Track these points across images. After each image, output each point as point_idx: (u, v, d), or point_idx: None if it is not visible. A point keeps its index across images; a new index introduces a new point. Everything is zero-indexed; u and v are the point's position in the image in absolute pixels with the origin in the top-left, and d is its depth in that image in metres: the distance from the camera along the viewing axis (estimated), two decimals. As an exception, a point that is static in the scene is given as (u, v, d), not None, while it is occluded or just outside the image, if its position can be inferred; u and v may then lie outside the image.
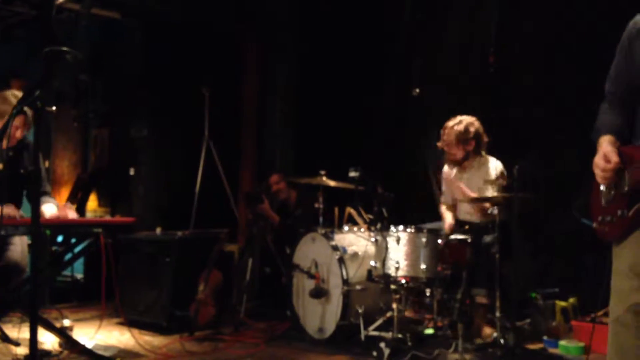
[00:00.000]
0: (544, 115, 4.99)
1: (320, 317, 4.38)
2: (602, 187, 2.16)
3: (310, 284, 4.42)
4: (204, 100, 5.81)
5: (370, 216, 4.50)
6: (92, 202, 7.13)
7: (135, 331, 4.48)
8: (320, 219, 4.66)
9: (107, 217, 6.71)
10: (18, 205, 3.96)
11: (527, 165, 3.94)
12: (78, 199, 6.94)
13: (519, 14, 5.19)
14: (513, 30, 5.17)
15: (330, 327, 4.30)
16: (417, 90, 5.45)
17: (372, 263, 4.13)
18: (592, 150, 2.20)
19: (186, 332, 4.55)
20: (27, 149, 4.00)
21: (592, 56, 3.91)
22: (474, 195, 4.27)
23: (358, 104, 6.12)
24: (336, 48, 6.28)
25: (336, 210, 5.04)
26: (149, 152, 6.75)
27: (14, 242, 3.88)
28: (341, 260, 4.30)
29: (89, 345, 3.94)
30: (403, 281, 3.94)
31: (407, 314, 4.24)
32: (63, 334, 3.84)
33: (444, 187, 4.68)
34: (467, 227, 4.25)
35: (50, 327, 3.73)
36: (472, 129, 4.33)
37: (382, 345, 3.78)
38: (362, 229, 4.68)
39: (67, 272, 6.17)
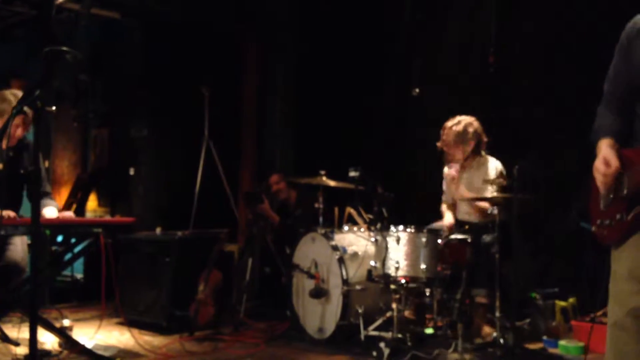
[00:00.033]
0: (544, 115, 4.99)
1: (320, 317, 4.38)
2: (601, 191, 2.15)
3: (310, 284, 4.42)
4: (204, 100, 5.81)
5: (370, 216, 4.49)
6: (92, 202, 7.13)
7: (135, 331, 4.48)
8: (320, 219, 4.66)
9: (107, 217, 6.71)
10: (18, 205, 3.96)
11: (527, 165, 3.94)
12: (78, 199, 6.94)
13: (519, 14, 5.19)
14: (513, 30, 5.17)
15: (330, 327, 4.30)
16: (417, 90, 5.44)
17: (372, 263, 4.13)
18: (592, 150, 2.20)
19: (186, 332, 4.55)
20: (27, 149, 4.00)
21: (592, 56, 3.91)
22: (469, 195, 4.28)
23: (358, 104, 6.12)
24: (336, 48, 6.28)
25: (336, 210, 5.04)
26: (149, 152, 6.76)
27: (14, 242, 3.88)
28: (341, 260, 4.30)
29: (89, 345, 3.94)
30: (403, 281, 3.94)
31: (407, 314, 4.23)
32: (63, 334, 3.84)
33: (444, 187, 4.68)
34: (466, 227, 4.25)
35: (50, 327, 3.73)
36: (471, 129, 4.34)
37: (382, 345, 3.78)
38: (362, 229, 4.68)
39: (67, 272, 6.17)
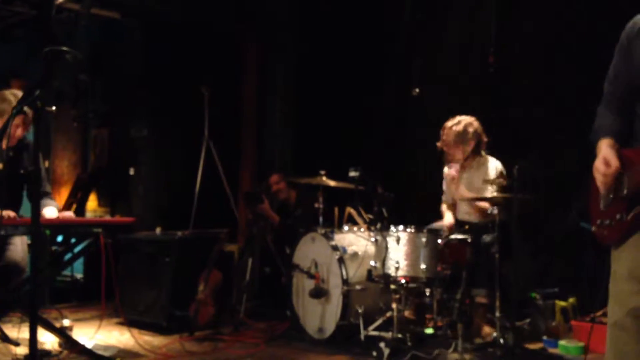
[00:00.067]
0: (544, 115, 4.99)
1: (320, 317, 4.38)
2: (601, 191, 2.14)
3: (310, 284, 4.42)
4: (204, 100, 5.81)
5: (370, 216, 4.49)
6: (92, 202, 7.13)
7: (135, 331, 4.48)
8: (320, 219, 4.65)
9: (107, 217, 6.71)
10: (18, 205, 3.96)
11: (527, 165, 3.94)
12: (78, 199, 6.94)
13: (519, 14, 5.19)
14: (513, 30, 5.17)
15: (330, 327, 4.30)
16: (417, 90, 5.45)
17: (372, 263, 4.13)
18: (592, 150, 2.19)
19: (186, 332, 4.55)
20: (27, 149, 4.00)
21: (592, 56, 3.91)
22: (469, 195, 4.28)
23: (358, 104, 6.12)
24: (336, 48, 6.28)
25: (336, 210, 5.04)
26: (148, 152, 6.75)
27: (14, 242, 3.88)
28: (341, 260, 4.29)
29: (89, 345, 3.94)
30: (403, 281, 3.94)
31: (407, 314, 4.23)
32: (63, 334, 3.84)
33: (444, 187, 4.68)
34: (466, 227, 4.25)
35: (50, 327, 3.73)
36: (470, 130, 4.34)
37: (382, 345, 3.78)
38: (362, 229, 4.68)
39: (67, 272, 6.17)
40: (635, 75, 2.11)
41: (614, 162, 2.07)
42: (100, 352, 3.83)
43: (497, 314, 3.84)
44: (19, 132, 3.89)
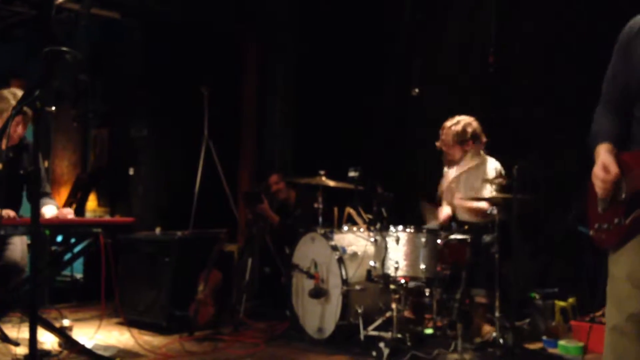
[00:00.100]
0: (544, 115, 4.99)
1: (320, 317, 4.38)
2: (599, 196, 2.14)
3: (309, 284, 4.42)
4: (204, 100, 5.81)
5: (370, 216, 4.49)
6: (92, 202, 7.13)
7: (135, 331, 4.47)
8: (320, 219, 4.65)
9: (107, 217, 6.71)
10: (18, 206, 3.96)
11: (527, 165, 3.94)
12: (77, 199, 6.93)
13: (519, 14, 5.19)
14: (513, 30, 5.17)
15: (329, 327, 4.30)
16: (417, 90, 5.44)
17: (372, 263, 4.13)
18: (590, 154, 2.19)
19: (186, 332, 4.55)
20: (27, 150, 4.00)
21: (592, 56, 3.90)
22: (467, 204, 4.27)
23: (358, 104, 6.12)
24: (336, 48, 6.28)
25: (336, 210, 5.04)
26: (148, 152, 6.75)
27: (14, 242, 3.88)
28: (340, 260, 4.29)
29: (89, 345, 3.94)
30: (402, 281, 3.94)
31: (407, 314, 4.23)
32: (62, 334, 3.84)
33: (443, 186, 4.67)
34: (466, 227, 4.25)
35: (49, 327, 3.73)
36: (469, 129, 4.34)
37: (382, 345, 3.78)
38: (362, 229, 4.68)
39: (66, 272, 6.16)
40: (633, 77, 2.10)
41: (614, 169, 2.05)
42: (100, 352, 3.83)
43: (497, 314, 3.83)
44: (19, 130, 3.89)
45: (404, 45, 5.94)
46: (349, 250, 4.39)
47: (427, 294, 4.20)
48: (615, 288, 2.09)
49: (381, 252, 4.05)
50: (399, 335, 3.87)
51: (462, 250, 4.00)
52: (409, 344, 3.85)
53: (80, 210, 6.85)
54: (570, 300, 4.48)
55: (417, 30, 5.81)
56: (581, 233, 3.87)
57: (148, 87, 6.69)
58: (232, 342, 4.39)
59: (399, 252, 3.98)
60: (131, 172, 6.76)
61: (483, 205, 4.16)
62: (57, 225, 3.68)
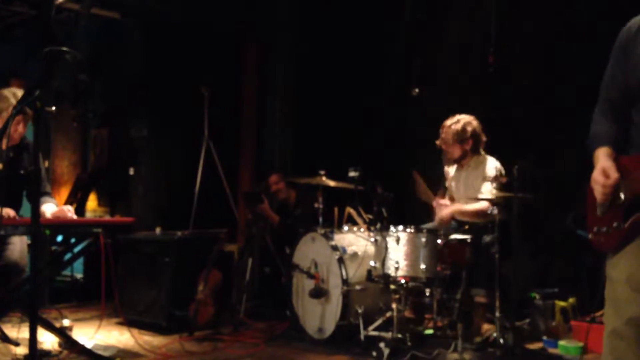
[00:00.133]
0: (544, 115, 4.99)
1: (320, 317, 4.38)
2: (599, 200, 2.14)
3: (309, 284, 4.42)
4: (204, 100, 5.81)
5: (370, 216, 4.49)
6: (92, 202, 7.13)
7: (135, 331, 4.47)
8: (320, 219, 4.65)
9: (107, 217, 6.72)
10: (18, 206, 3.96)
11: (527, 165, 3.94)
12: (78, 199, 6.94)
13: (519, 14, 5.19)
14: (513, 30, 5.17)
15: (329, 327, 4.30)
16: (417, 90, 5.45)
17: (372, 263, 4.13)
18: (589, 157, 2.19)
19: (186, 332, 4.55)
20: (27, 150, 4.00)
21: (592, 56, 3.89)
22: (467, 209, 4.27)
23: (358, 104, 6.12)
24: (336, 48, 6.28)
25: (336, 210, 5.03)
26: (148, 152, 6.75)
27: (14, 241, 3.88)
28: (341, 260, 4.29)
29: (89, 345, 3.94)
30: (403, 281, 3.94)
31: (407, 314, 4.23)
32: (62, 333, 3.83)
33: (446, 184, 4.68)
34: (466, 227, 4.25)
35: (49, 327, 3.73)
36: (469, 128, 4.34)
37: (382, 345, 3.78)
38: (362, 229, 4.68)
39: (66, 272, 6.17)
40: (630, 79, 2.09)
41: (613, 174, 2.05)
42: (100, 352, 3.83)
43: (497, 314, 3.83)
44: (20, 128, 3.89)
45: (404, 45, 5.94)
46: (349, 250, 4.38)
47: (427, 294, 4.21)
48: (614, 291, 2.08)
49: (381, 252, 4.05)
50: (399, 335, 3.87)
51: (462, 250, 4.00)
52: (409, 344, 3.85)
53: (80, 210, 6.85)
54: (571, 300, 4.48)
55: (417, 30, 5.81)
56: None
57: (148, 87, 6.69)
58: (232, 342, 4.39)
59: (399, 252, 3.98)
60: (131, 172, 6.76)
61: (483, 205, 4.16)
62: (57, 225, 3.67)
